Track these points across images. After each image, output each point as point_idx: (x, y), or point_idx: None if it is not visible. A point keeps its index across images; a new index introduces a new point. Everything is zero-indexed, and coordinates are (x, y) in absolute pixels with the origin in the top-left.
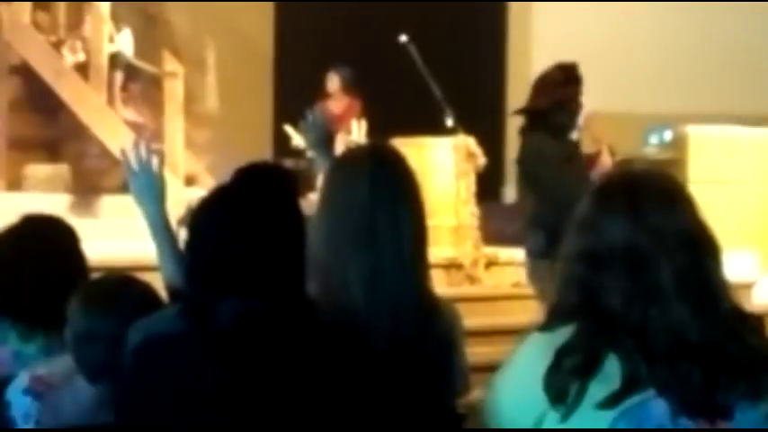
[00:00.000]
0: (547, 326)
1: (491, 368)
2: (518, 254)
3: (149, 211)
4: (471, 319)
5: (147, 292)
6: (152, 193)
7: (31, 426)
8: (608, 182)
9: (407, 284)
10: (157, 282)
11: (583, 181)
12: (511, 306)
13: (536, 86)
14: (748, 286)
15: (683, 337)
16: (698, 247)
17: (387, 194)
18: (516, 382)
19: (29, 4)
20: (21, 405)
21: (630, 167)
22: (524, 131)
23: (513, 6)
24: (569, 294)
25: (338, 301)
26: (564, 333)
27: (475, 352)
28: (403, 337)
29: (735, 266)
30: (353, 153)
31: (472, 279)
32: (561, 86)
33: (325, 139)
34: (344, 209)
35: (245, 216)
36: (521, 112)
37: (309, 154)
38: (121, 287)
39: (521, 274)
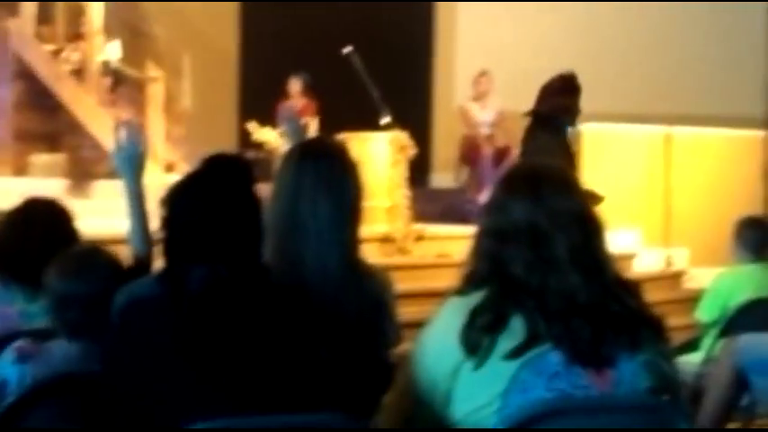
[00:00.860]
0: (463, 290)
1: (419, 325)
2: (442, 229)
3: (127, 182)
4: (402, 284)
5: (112, 259)
6: (131, 166)
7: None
8: (513, 171)
9: (329, 256)
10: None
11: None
12: (435, 273)
13: (541, 93)
14: (631, 257)
15: (575, 299)
16: (587, 226)
17: (306, 182)
18: (437, 336)
19: (33, 17)
20: (13, 374)
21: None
22: (529, 130)
23: (440, 11)
24: (481, 264)
25: (280, 268)
26: (477, 296)
27: (405, 312)
28: (332, 296)
29: (620, 241)
30: (293, 148)
31: (403, 251)
32: (561, 94)
33: (302, 139)
34: (278, 195)
35: (210, 198)
36: (528, 113)
37: (275, 146)
38: (91, 255)
39: (444, 247)
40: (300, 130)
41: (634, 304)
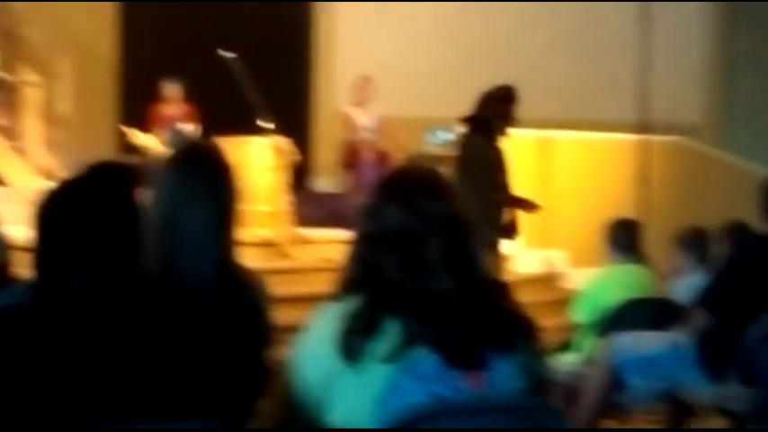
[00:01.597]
0: (338, 296)
1: (302, 330)
2: (325, 233)
3: None
4: (285, 288)
5: None
6: None
7: None
8: (387, 177)
9: (205, 260)
10: None
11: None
12: (319, 277)
13: (479, 100)
14: (510, 259)
15: (448, 302)
16: (459, 229)
17: (185, 188)
18: (313, 342)
19: None
20: None
21: (408, 164)
22: (466, 136)
23: (320, 15)
24: (356, 270)
25: (159, 273)
26: (352, 301)
27: (288, 316)
28: (207, 300)
29: (502, 244)
30: (173, 154)
31: (286, 255)
32: (499, 102)
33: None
34: (158, 200)
35: (86, 206)
36: (466, 119)
37: (155, 152)
38: None
39: (326, 251)
40: (184, 138)
41: (506, 306)
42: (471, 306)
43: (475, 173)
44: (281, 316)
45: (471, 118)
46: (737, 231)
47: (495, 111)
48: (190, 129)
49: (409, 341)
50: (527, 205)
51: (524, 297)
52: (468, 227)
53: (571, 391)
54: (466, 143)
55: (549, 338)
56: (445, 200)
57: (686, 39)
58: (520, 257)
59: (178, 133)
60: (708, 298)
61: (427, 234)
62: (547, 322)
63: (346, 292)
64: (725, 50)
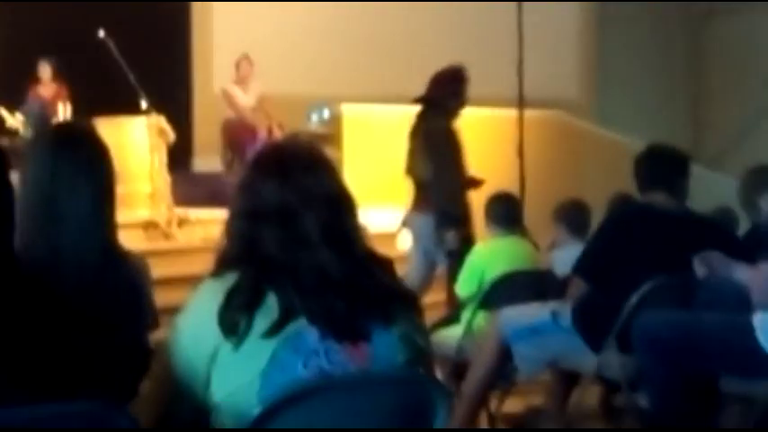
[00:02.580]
0: (217, 272)
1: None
2: (206, 213)
3: None
4: (167, 269)
5: None
6: None
7: None
8: (263, 153)
9: (88, 242)
10: None
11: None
12: (200, 258)
13: (432, 81)
14: (392, 236)
15: (328, 275)
16: (338, 204)
17: (65, 169)
18: (194, 320)
19: None
20: None
21: (285, 140)
22: (420, 116)
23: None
24: (235, 245)
25: (35, 255)
26: (232, 277)
27: (170, 297)
28: (89, 283)
29: (383, 220)
30: (43, 134)
31: (167, 236)
32: (453, 82)
33: (43, 125)
34: (33, 182)
35: None
36: (417, 100)
37: (23, 133)
38: None
39: (208, 231)
40: (44, 118)
41: (387, 279)
42: (351, 279)
43: (439, 152)
44: (163, 297)
45: (424, 98)
46: (621, 203)
47: (447, 91)
48: (60, 109)
49: (289, 314)
50: (476, 183)
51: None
52: (348, 201)
53: (456, 363)
54: (425, 124)
55: (439, 313)
56: (322, 175)
57: (562, 15)
58: (402, 234)
59: (34, 113)
60: (580, 266)
61: (304, 209)
62: (432, 297)
63: (225, 269)
64: (600, 26)
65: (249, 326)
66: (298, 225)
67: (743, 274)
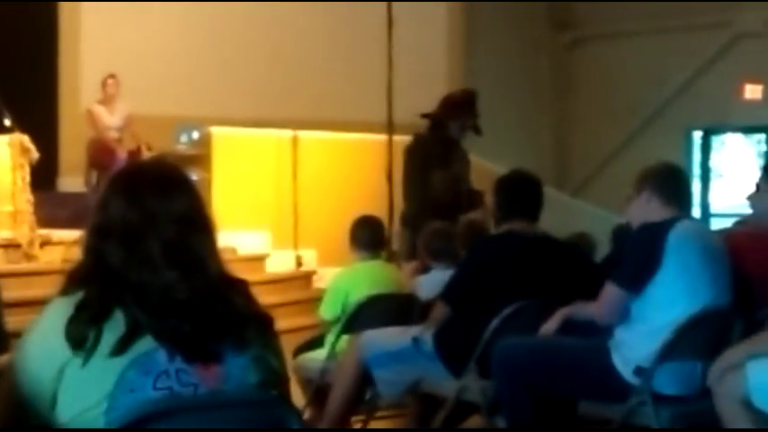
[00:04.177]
0: (66, 290)
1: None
2: (69, 234)
3: None
4: (26, 290)
5: None
6: None
7: None
8: (119, 171)
9: None
10: None
11: (454, 186)
12: (61, 279)
13: (442, 101)
14: (262, 258)
15: (172, 296)
16: (187, 225)
17: None
18: (41, 336)
19: None
20: None
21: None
22: (422, 135)
23: (63, 12)
24: (85, 261)
25: None
26: (81, 294)
27: (28, 319)
28: None
29: (251, 243)
30: None
31: (29, 257)
32: (460, 106)
33: None
34: None
35: None
36: (425, 116)
37: None
38: None
39: (71, 252)
40: None
41: (240, 301)
42: (199, 301)
43: (414, 169)
44: (21, 319)
45: (429, 117)
46: (472, 229)
47: (452, 113)
48: None
49: (135, 332)
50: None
51: (276, 297)
52: (202, 223)
53: (320, 386)
54: (415, 140)
55: (303, 337)
56: (173, 196)
57: (430, 42)
58: (271, 256)
59: None
60: (447, 293)
61: (146, 229)
62: (300, 321)
63: (75, 286)
64: (468, 56)
65: (97, 341)
66: (140, 245)
67: (584, 309)
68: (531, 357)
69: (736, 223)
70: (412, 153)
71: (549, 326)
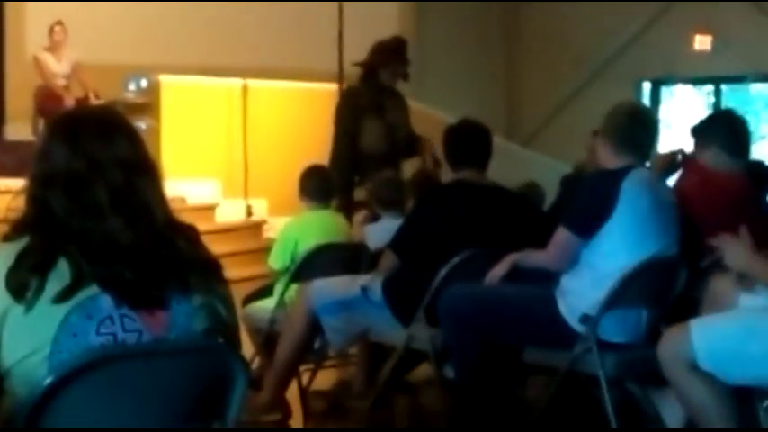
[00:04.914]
0: (9, 237)
1: None
2: (15, 182)
3: None
4: None
5: None
6: None
7: None
8: (57, 119)
9: None
10: None
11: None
12: (5, 228)
13: (372, 49)
14: (212, 208)
15: (115, 243)
16: (132, 171)
17: None
18: None
19: None
20: None
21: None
22: (352, 87)
23: None
24: (28, 210)
25: None
26: (23, 241)
27: None
28: None
29: (201, 192)
30: None
31: None
32: (391, 52)
33: None
34: None
35: None
36: (358, 64)
37: None
38: None
39: (16, 200)
40: None
41: (187, 247)
42: (144, 247)
43: (339, 123)
44: None
45: (360, 65)
46: (425, 179)
47: (383, 60)
48: None
49: (79, 281)
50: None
51: (227, 246)
52: (147, 168)
53: (269, 335)
54: (345, 93)
55: (253, 286)
56: (117, 141)
57: None
58: (222, 206)
59: None
60: (396, 243)
61: (93, 176)
62: (250, 270)
63: (19, 233)
64: (419, 7)
65: (40, 289)
66: (86, 193)
67: (534, 256)
68: (478, 306)
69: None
70: (339, 107)
71: (497, 271)
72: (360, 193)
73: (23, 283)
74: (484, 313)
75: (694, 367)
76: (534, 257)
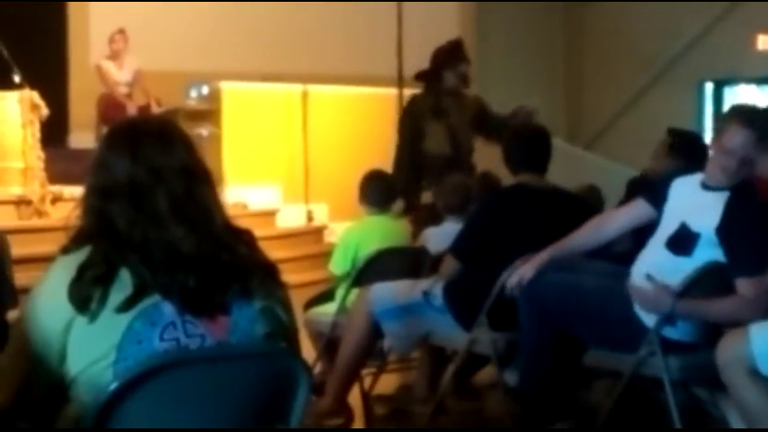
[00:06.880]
0: (69, 248)
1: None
2: (80, 190)
3: None
4: (38, 247)
5: None
6: None
7: None
8: (114, 128)
9: None
10: None
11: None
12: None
13: (432, 57)
14: (273, 213)
15: (179, 250)
16: (191, 178)
17: None
18: (47, 294)
19: None
20: None
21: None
22: (414, 96)
23: None
24: (88, 222)
25: None
26: (84, 253)
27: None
28: None
29: (262, 197)
30: None
31: (40, 213)
32: (450, 53)
33: None
34: None
35: None
36: (418, 75)
37: None
38: None
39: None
40: None
41: (246, 252)
42: (205, 254)
43: (401, 135)
44: (31, 275)
45: (422, 74)
46: (487, 182)
47: (444, 63)
48: None
49: (143, 290)
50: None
51: (288, 252)
52: (203, 175)
53: (331, 340)
54: (407, 103)
55: (314, 291)
56: (174, 149)
57: None
58: (282, 211)
59: None
60: (457, 247)
61: (154, 185)
62: (311, 275)
63: (79, 244)
64: (479, 10)
65: (103, 300)
66: (147, 201)
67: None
68: (559, 295)
69: None
70: (401, 114)
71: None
72: (427, 197)
73: (87, 296)
74: (563, 303)
75: (754, 372)
76: (722, 308)
